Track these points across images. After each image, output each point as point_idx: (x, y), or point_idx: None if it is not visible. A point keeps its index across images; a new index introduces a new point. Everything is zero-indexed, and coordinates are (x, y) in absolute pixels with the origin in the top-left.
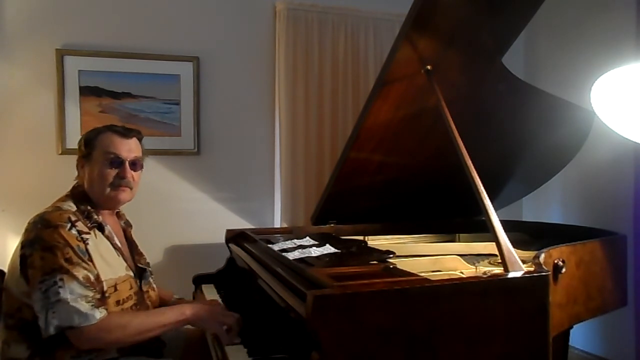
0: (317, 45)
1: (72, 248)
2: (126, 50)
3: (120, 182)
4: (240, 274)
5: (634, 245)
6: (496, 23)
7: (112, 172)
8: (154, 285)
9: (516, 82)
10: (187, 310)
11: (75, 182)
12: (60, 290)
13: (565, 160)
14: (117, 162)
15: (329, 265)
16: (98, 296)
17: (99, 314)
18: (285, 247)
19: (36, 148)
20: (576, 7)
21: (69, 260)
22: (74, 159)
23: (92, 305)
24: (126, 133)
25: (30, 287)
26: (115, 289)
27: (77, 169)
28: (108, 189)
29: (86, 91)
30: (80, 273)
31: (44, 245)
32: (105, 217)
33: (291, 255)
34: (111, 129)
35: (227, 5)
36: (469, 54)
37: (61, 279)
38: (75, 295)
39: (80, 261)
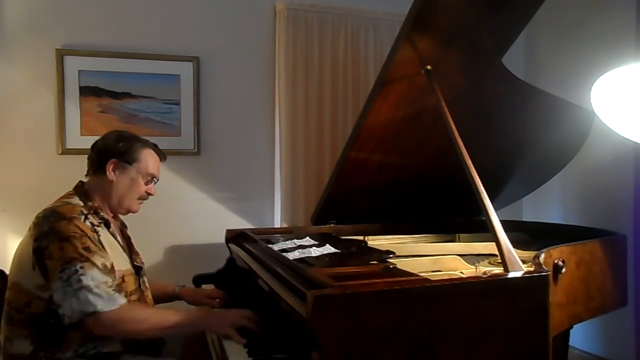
0: (317, 45)
1: (89, 237)
2: (126, 50)
3: (146, 197)
4: (240, 274)
5: (634, 245)
6: (496, 23)
7: (144, 188)
8: (147, 284)
9: (516, 82)
10: (200, 315)
11: (80, 181)
12: (82, 278)
13: (565, 160)
14: (151, 181)
15: (329, 265)
16: (117, 281)
17: (122, 299)
18: (285, 247)
19: (36, 148)
20: (576, 7)
21: (87, 249)
22: (74, 159)
23: (113, 290)
24: (163, 158)
25: (50, 278)
26: (124, 280)
27: (105, 168)
28: (133, 201)
29: (86, 91)
30: (98, 261)
31: (60, 236)
32: (107, 216)
33: (291, 255)
34: (153, 147)
35: (227, 5)
36: (469, 54)
37: (82, 267)
38: (96, 281)
39: (97, 249)
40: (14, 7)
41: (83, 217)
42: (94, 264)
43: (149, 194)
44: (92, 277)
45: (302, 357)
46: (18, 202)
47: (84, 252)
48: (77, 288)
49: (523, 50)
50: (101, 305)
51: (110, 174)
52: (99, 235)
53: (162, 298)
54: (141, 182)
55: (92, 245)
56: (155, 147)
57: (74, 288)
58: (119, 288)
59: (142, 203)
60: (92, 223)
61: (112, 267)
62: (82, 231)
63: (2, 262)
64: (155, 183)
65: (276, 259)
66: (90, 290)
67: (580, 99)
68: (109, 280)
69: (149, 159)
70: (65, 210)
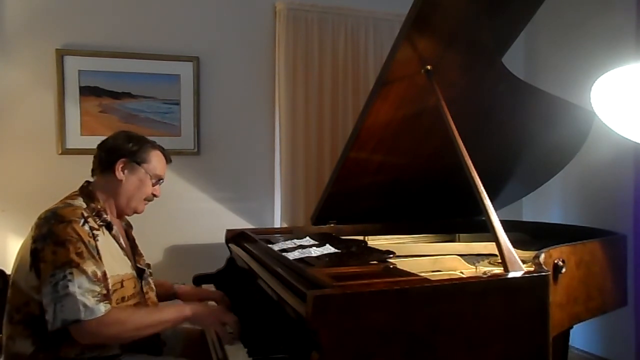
0: (317, 45)
1: (84, 243)
2: (126, 50)
3: (151, 198)
4: (240, 274)
5: (634, 245)
6: (496, 23)
7: (151, 190)
8: (153, 286)
9: (516, 82)
10: (186, 309)
11: (86, 181)
12: (69, 284)
13: (565, 160)
14: (158, 183)
15: (329, 265)
16: (104, 292)
17: (104, 307)
18: (285, 247)
19: (36, 148)
20: (576, 7)
21: (80, 255)
22: (74, 159)
23: (97, 300)
24: (169, 160)
25: (41, 281)
26: (122, 285)
27: (114, 167)
28: (140, 202)
29: (86, 91)
30: (89, 268)
31: (56, 239)
32: (111, 218)
33: (291, 255)
34: (161, 150)
35: (227, 5)
36: (469, 54)
37: (71, 273)
38: (83, 289)
39: (90, 256)
40: (14, 7)
41: (82, 220)
42: (83, 271)
43: (155, 195)
44: (80, 284)
45: (302, 357)
46: (18, 202)
47: (76, 258)
48: (63, 295)
49: (523, 50)
50: (84, 315)
51: (120, 173)
52: (96, 241)
53: (162, 296)
54: (149, 182)
55: (85, 252)
56: (162, 150)
57: (60, 294)
58: (104, 297)
59: (146, 204)
60: (91, 227)
61: (104, 275)
62: (79, 235)
63: (2, 262)
64: (160, 185)
65: (276, 259)
66: (75, 297)
67: (580, 99)
68: (96, 289)
69: (158, 160)
70: (66, 212)
